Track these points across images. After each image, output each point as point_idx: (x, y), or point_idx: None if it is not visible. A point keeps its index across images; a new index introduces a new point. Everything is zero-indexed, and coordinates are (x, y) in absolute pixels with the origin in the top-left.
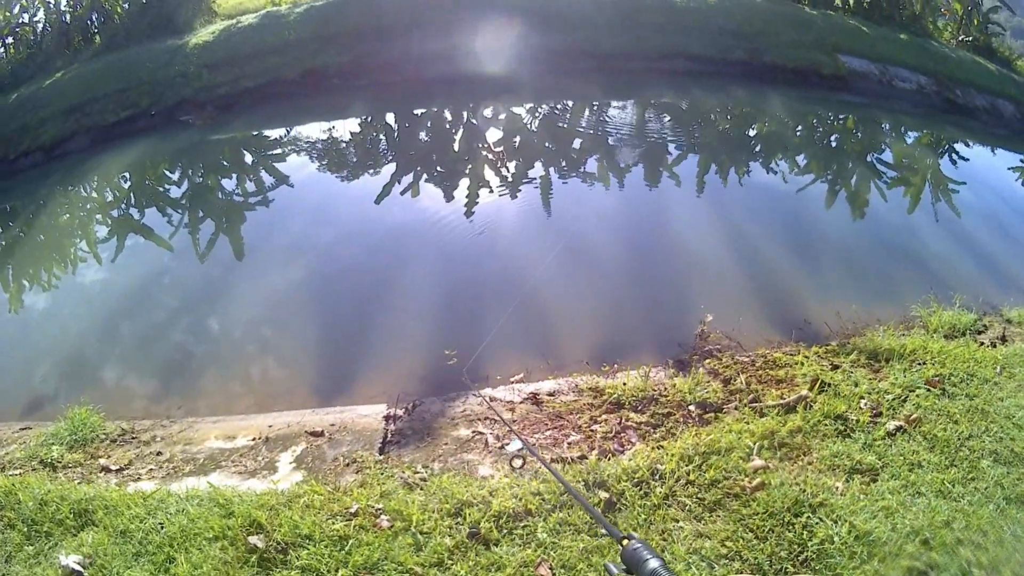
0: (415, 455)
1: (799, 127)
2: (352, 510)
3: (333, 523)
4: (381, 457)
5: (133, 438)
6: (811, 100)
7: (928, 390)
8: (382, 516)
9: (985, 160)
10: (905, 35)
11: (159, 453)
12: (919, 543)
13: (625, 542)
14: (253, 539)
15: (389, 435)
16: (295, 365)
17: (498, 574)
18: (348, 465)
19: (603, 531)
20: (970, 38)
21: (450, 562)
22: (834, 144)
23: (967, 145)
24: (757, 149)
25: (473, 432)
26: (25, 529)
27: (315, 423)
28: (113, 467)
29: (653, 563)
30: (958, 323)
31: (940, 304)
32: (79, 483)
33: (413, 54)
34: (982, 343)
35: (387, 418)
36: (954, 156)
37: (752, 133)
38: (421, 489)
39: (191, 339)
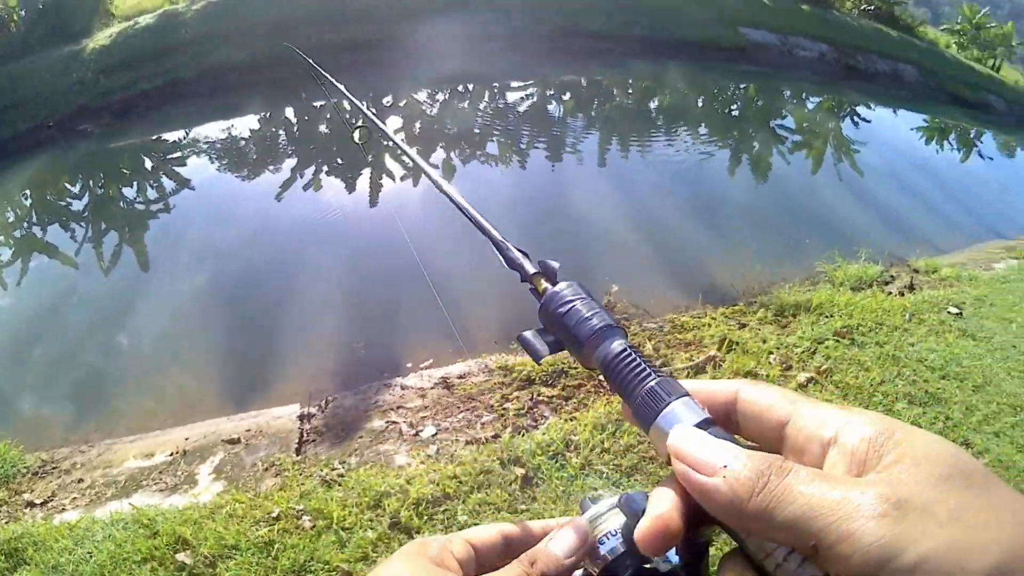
0: (332, 451)
1: (700, 98)
2: (274, 515)
3: (257, 530)
4: (298, 458)
5: (54, 468)
6: (712, 72)
7: (837, 341)
8: (304, 517)
9: (887, 121)
10: (807, 6)
11: (81, 480)
12: None
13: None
14: (181, 556)
15: (305, 434)
16: (207, 373)
17: None
18: (267, 469)
19: (522, 506)
20: (872, 7)
21: (375, 554)
22: (736, 113)
23: (869, 108)
24: (659, 121)
25: (387, 422)
26: None
27: (231, 430)
28: (37, 501)
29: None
30: (864, 275)
31: (845, 259)
32: (7, 522)
33: (311, 46)
34: (890, 293)
35: (301, 417)
36: (856, 119)
37: (654, 106)
38: (340, 485)
39: (102, 358)
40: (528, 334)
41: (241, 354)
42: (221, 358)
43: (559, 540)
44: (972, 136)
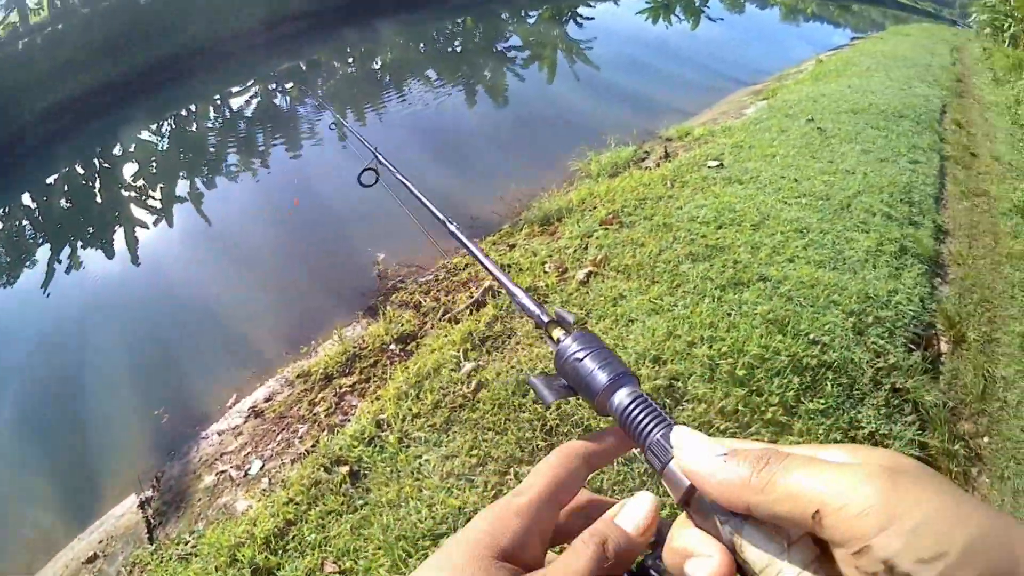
0: (180, 526)
1: (421, 45)
2: None
3: None
4: (153, 547)
5: None
6: (424, 18)
7: (606, 229)
8: None
9: (611, 14)
10: None
11: None
12: (651, 363)
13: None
14: None
15: (151, 520)
16: (44, 502)
17: None
18: (131, 573)
19: (359, 501)
20: None
21: None
22: (460, 48)
23: (590, 6)
24: (387, 80)
25: (216, 474)
26: None
27: (85, 550)
28: None
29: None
30: (618, 160)
31: (596, 151)
32: None
33: (22, 121)
34: (647, 168)
35: (141, 505)
36: (579, 20)
37: (377, 67)
38: (196, 556)
39: None
40: (537, 380)
41: (66, 468)
42: (51, 481)
43: (629, 513)
44: (697, 4)
